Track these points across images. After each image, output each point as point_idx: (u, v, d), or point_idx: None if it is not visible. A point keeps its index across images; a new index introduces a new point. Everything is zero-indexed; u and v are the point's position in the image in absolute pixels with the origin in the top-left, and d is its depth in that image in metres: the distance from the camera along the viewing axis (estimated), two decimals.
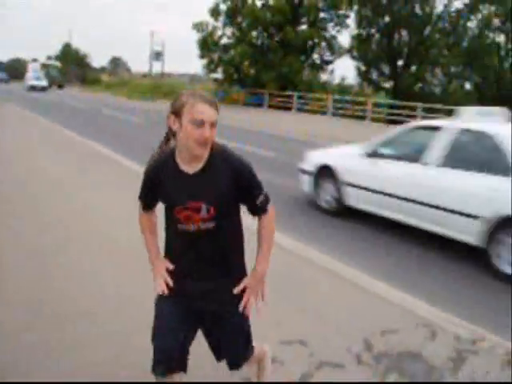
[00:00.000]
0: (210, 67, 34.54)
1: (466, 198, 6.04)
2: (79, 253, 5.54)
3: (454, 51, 38.22)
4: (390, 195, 6.95)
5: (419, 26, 37.54)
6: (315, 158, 8.47)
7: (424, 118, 22.86)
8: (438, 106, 25.86)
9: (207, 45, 33.56)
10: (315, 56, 35.09)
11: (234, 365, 2.67)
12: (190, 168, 2.38)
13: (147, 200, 2.60)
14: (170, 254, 2.58)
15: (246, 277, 2.54)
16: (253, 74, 33.61)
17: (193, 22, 34.55)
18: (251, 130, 20.71)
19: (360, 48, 39.18)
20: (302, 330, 4.07)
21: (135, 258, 4.76)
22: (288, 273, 5.31)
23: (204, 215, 2.38)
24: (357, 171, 7.61)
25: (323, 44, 34.16)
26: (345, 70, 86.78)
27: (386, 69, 40.25)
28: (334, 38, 34.39)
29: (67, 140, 14.54)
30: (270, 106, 30.85)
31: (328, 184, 8.01)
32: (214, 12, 33.70)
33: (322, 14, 33.84)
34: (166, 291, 2.51)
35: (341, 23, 34.59)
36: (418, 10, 36.79)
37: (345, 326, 4.21)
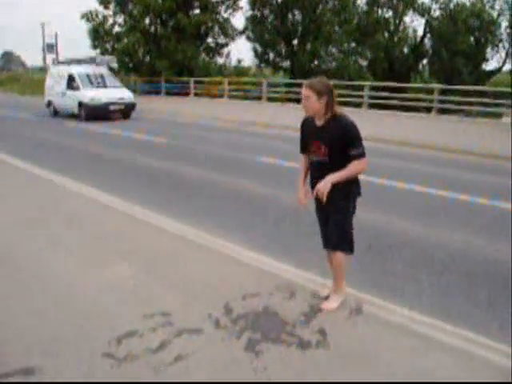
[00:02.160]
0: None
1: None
2: None
3: (345, 28, 39.47)
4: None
5: (311, 5, 38.43)
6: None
7: None
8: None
9: (99, 34, 32.63)
10: (210, 40, 35.03)
11: (334, 246, 4.17)
12: (318, 123, 4.02)
13: (302, 145, 4.24)
14: (311, 174, 4.20)
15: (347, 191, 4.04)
16: (148, 62, 33.13)
17: (80, 11, 33.42)
18: (148, 118, 20.55)
19: (255, 29, 39.60)
20: (166, 302, 4.27)
21: None
22: (159, 251, 5.50)
23: (322, 151, 3.96)
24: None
25: (217, 28, 34.10)
26: (245, 51, 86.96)
27: (283, 49, 40.98)
28: (227, 20, 34.41)
29: None
30: (168, 93, 30.64)
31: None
32: (104, 0, 32.75)
33: None
34: (303, 203, 4.33)
35: (233, 5, 34.64)
36: None
37: (208, 294, 4.44)
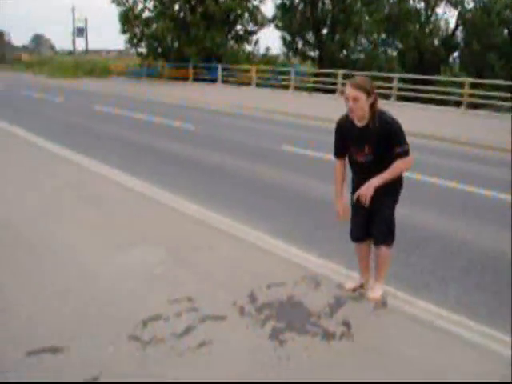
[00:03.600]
0: (133, 42, 33.80)
1: None
2: None
3: (375, 18, 38.99)
4: None
5: None
6: None
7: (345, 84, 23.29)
8: (360, 72, 26.46)
9: (129, 19, 32.75)
10: (239, 27, 34.93)
11: (382, 240, 4.13)
12: (360, 124, 3.84)
13: (338, 149, 4.09)
14: (353, 175, 4.13)
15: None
16: (176, 48, 33.17)
17: None
18: (174, 104, 20.61)
19: (284, 17, 39.36)
20: (191, 288, 4.29)
21: None
22: (186, 237, 5.53)
23: (366, 152, 3.85)
24: None
25: (246, 15, 33.98)
26: (272, 40, 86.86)
27: (311, 38, 40.67)
28: (256, 8, 34.23)
29: None
30: (196, 80, 30.67)
31: None
32: None
33: None
34: (340, 218, 4.17)
35: None
36: None
37: (233, 282, 4.46)
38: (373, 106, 3.78)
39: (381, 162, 3.82)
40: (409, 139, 3.85)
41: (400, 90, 21.87)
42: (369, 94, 3.72)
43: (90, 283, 4.37)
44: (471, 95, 19.86)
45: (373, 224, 4.12)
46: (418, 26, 42.86)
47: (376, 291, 4.29)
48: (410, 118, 16.46)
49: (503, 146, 11.87)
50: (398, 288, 4.53)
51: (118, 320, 3.76)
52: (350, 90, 3.71)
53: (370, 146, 3.83)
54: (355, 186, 4.04)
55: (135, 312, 3.86)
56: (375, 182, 3.77)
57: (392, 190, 3.99)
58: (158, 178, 8.12)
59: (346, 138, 3.99)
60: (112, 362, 3.25)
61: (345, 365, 3.34)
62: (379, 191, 3.81)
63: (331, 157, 4.23)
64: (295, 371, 3.24)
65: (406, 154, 3.77)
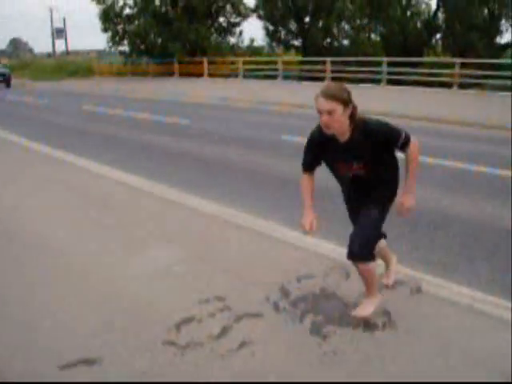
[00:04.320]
0: (115, 40, 33.36)
1: None
2: None
3: (357, 3, 38.76)
4: None
5: None
6: None
7: (333, 71, 23.21)
8: (345, 58, 26.29)
9: (109, 17, 32.29)
10: (221, 19, 34.65)
11: (352, 255, 3.41)
12: (341, 138, 3.28)
13: (309, 163, 3.53)
14: (344, 190, 3.74)
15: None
16: (160, 44, 32.80)
17: None
18: (164, 101, 20.35)
19: (266, 7, 38.99)
20: (218, 286, 4.11)
21: None
22: (199, 233, 5.36)
23: (355, 167, 3.35)
24: None
25: (228, 6, 33.67)
26: (256, 31, 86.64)
27: (294, 26, 40.36)
28: None
29: None
30: (181, 74, 30.35)
31: None
32: None
33: None
34: (307, 229, 3.53)
35: None
36: None
37: (260, 277, 4.28)
38: (352, 116, 3.23)
39: (374, 172, 3.39)
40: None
41: (390, 73, 21.72)
42: (346, 103, 3.15)
43: (112, 289, 4.17)
44: (462, 75, 19.80)
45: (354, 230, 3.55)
46: (399, 11, 42.64)
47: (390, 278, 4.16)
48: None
49: None
50: (427, 272, 4.40)
51: (149, 325, 3.57)
52: (321, 102, 3.13)
53: (358, 161, 3.34)
54: (348, 197, 3.78)
55: (165, 315, 3.67)
56: (412, 188, 3.42)
57: (383, 195, 3.51)
58: (160, 175, 7.93)
59: (325, 155, 3.46)
60: (151, 369, 3.07)
61: (397, 356, 3.18)
62: (368, 195, 3.47)
63: None
64: (345, 366, 3.09)
65: (408, 139, 3.30)
